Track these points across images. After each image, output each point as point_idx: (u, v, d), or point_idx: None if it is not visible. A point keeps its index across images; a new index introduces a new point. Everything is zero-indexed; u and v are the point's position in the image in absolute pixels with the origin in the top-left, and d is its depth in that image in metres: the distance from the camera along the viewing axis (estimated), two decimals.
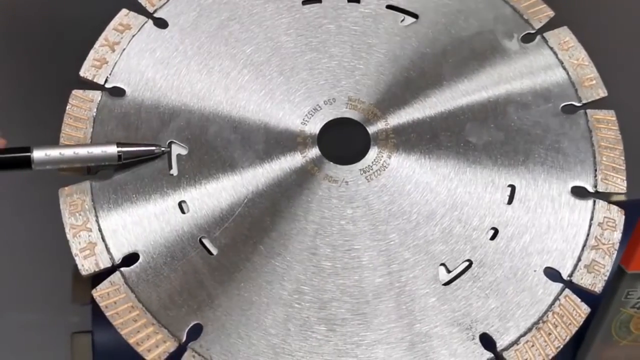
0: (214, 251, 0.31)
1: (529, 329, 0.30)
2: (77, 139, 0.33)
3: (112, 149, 0.31)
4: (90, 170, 0.32)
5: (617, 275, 0.38)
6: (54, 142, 0.33)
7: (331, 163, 0.33)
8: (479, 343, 0.30)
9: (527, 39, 0.36)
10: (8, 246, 0.49)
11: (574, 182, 0.33)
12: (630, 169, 0.33)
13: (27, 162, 0.31)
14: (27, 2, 0.46)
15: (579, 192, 0.33)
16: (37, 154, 0.30)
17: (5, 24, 0.47)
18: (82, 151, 0.31)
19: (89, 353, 0.36)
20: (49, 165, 0.31)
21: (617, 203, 0.33)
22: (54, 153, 0.31)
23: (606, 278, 0.31)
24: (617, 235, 0.32)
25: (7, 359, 0.47)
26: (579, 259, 0.32)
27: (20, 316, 0.48)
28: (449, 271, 0.31)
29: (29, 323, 0.47)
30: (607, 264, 0.31)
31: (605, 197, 0.33)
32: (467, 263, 0.32)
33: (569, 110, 0.35)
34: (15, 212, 0.51)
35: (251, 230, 0.32)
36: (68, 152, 0.31)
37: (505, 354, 0.30)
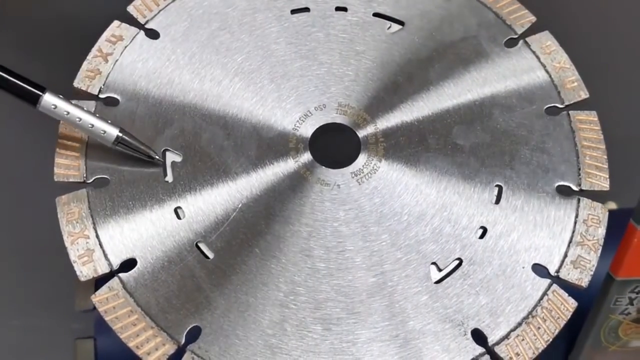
0: (210, 255, 0.32)
1: (519, 324, 0.31)
2: (73, 148, 0.33)
3: (114, 131, 0.32)
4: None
5: (606, 282, 0.38)
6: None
7: (323, 167, 0.34)
8: (471, 338, 0.31)
9: (510, 43, 0.37)
10: (11, 251, 0.50)
11: (558, 181, 0.34)
12: (619, 178, 0.34)
13: (34, 99, 0.31)
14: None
15: (563, 191, 0.34)
16: (47, 99, 0.31)
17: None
18: (86, 121, 0.32)
19: (92, 359, 0.37)
20: (51, 114, 0.31)
21: (608, 212, 0.34)
22: (61, 107, 0.31)
23: (592, 273, 0.32)
24: (602, 231, 0.33)
25: None
26: (566, 255, 0.32)
27: (24, 321, 0.48)
28: (439, 270, 0.32)
29: (32, 328, 0.48)
30: (592, 259, 0.32)
31: (590, 195, 0.34)
32: (457, 261, 0.32)
33: (552, 111, 0.36)
34: (18, 216, 0.51)
35: (246, 234, 0.32)
36: (73, 116, 0.31)
37: (496, 349, 0.31)
